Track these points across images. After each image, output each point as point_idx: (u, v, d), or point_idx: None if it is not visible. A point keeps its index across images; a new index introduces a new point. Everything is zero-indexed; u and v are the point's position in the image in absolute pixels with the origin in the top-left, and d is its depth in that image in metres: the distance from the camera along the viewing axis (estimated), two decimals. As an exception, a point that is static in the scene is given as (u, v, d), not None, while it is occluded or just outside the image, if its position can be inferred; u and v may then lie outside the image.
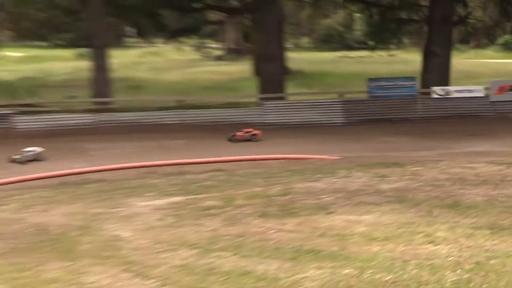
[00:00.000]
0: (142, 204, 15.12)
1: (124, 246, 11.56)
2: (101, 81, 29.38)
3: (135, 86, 35.70)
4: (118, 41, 39.11)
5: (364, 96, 29.09)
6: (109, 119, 26.26)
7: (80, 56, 42.66)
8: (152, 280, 9.44)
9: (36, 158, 20.90)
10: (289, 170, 18.84)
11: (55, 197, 16.12)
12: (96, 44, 29.74)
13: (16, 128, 25.44)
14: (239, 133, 24.62)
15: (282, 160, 20.60)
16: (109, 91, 29.08)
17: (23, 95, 31.87)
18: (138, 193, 16.45)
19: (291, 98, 31.43)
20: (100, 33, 29.58)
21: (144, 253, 11.04)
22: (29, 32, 49.42)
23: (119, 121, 26.08)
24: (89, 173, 19.08)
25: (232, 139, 24.42)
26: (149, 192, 16.51)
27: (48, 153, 22.84)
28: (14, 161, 20.86)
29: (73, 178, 18.68)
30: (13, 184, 18.70)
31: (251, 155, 21.10)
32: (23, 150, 20.28)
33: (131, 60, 45.07)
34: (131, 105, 28.49)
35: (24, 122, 25.89)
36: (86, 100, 29.48)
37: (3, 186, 18.26)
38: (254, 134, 24.66)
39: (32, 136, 24.32)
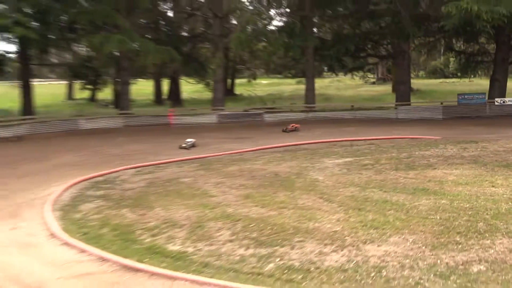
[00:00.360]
0: (329, 161, 18.80)
1: (320, 185, 15.65)
2: (310, 95, 35.68)
3: (327, 98, 42.72)
4: (319, 74, 48.79)
5: (455, 103, 34.98)
6: (313, 116, 32.13)
7: (299, 82, 53.94)
8: (334, 203, 13.73)
9: (193, 145, 22.49)
10: (411, 144, 22.40)
11: (286, 158, 19.87)
12: (308, 75, 36.27)
13: (264, 120, 30.76)
14: (288, 127, 28.12)
15: (407, 139, 24.32)
16: (314, 100, 35.33)
17: (268, 102, 39.01)
18: (327, 156, 19.94)
19: (413, 104, 37.31)
20: (310, 70, 35.92)
21: (330, 189, 15.19)
22: (272, 70, 68.49)
23: (318, 117, 32.01)
24: (300, 145, 23.13)
25: (285, 130, 27.79)
26: (333, 155, 19.99)
27: (277, 135, 27.55)
28: (181, 147, 22.36)
29: (292, 147, 22.41)
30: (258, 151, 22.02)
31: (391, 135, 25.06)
32: (186, 140, 22.60)
33: (325, 84, 54.92)
34: (325, 108, 33.88)
35: (269, 118, 31.94)
36: (301, 105, 35.32)
37: (257, 151, 21.92)
38: (297, 127, 28.16)
39: (273, 125, 29.44)
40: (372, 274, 9.66)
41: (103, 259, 10.77)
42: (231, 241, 11.47)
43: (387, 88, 55.34)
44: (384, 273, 9.68)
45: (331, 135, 24.41)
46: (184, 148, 21.40)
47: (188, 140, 22.05)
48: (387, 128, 26.29)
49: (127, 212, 13.70)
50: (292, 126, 27.93)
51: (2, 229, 12.83)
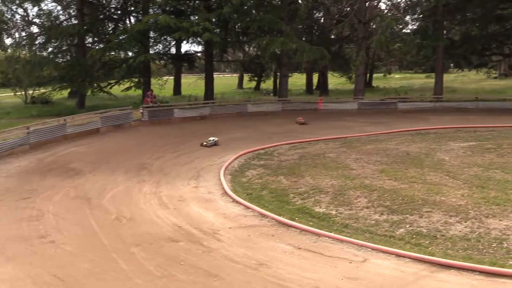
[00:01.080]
0: (455, 144, 17.57)
1: (446, 164, 14.78)
2: (438, 87, 33.20)
3: (453, 90, 39.33)
4: (446, 69, 44.59)
5: None
6: (440, 105, 28.86)
7: (427, 77, 52.02)
8: (459, 181, 12.89)
9: (215, 144, 18.57)
10: None
11: (416, 140, 18.97)
12: (437, 71, 33.90)
13: (397, 108, 28.53)
14: (298, 119, 23.91)
15: None
16: (442, 92, 33.07)
17: (401, 93, 36.76)
18: (453, 139, 18.61)
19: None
20: (439, 66, 33.91)
21: (455, 168, 14.28)
22: (405, 67, 65.63)
23: (445, 106, 28.58)
24: (429, 129, 21.39)
25: (297, 122, 23.69)
26: (458, 139, 18.65)
27: (408, 120, 26.28)
28: (202, 145, 18.58)
29: (422, 131, 20.92)
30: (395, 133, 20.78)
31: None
32: (208, 138, 18.76)
33: (451, 78, 50.34)
34: (451, 99, 30.53)
35: (402, 106, 28.71)
36: (430, 96, 32.18)
37: (391, 133, 20.72)
38: (303, 121, 23.52)
39: (405, 112, 27.55)
40: (494, 245, 8.93)
41: (263, 215, 10.91)
42: (367, 207, 11.17)
43: (508, 82, 49.88)
44: (505, 245, 8.91)
45: (457, 122, 22.43)
46: (206, 146, 18.27)
47: (211, 138, 18.66)
48: (509, 117, 23.66)
49: (283, 179, 13.79)
50: (300, 119, 24.11)
51: (188, 187, 13.41)
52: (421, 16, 37.58)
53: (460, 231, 9.56)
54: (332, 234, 9.59)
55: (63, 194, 12.83)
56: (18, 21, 32.91)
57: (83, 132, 21.37)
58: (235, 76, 61.18)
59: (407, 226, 9.95)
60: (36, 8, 35.09)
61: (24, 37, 32.34)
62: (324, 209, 11.14)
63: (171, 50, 37.69)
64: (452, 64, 49.70)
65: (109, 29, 34.85)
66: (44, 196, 12.65)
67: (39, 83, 32.16)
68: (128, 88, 34.18)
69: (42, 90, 33.62)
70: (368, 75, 48.99)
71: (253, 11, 30.56)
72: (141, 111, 25.09)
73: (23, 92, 35.81)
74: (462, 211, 10.56)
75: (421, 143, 17.98)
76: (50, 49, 31.96)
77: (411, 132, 20.85)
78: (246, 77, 52.01)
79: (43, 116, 26.42)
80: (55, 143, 19.51)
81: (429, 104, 29.53)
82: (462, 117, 24.81)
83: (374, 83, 51.56)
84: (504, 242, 8.99)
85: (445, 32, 34.90)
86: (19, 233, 10.06)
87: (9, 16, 31.46)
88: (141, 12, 32.91)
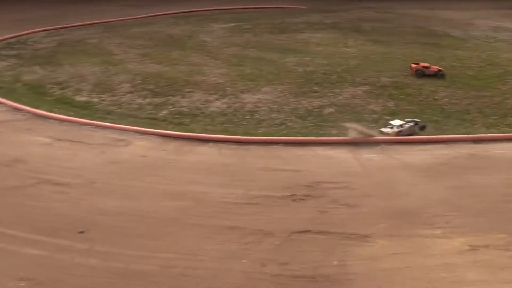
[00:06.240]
0: (216, 26, 17.56)
1: (207, 45, 15.20)
2: None
3: None
4: None
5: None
6: None
7: None
8: (219, 60, 13.48)
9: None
10: (284, 13, 20.59)
11: (180, 22, 18.58)
12: None
13: None
14: None
15: (281, 8, 21.83)
16: None
17: None
18: (215, 21, 18.26)
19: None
20: None
21: (216, 48, 14.81)
22: None
23: None
24: (192, 12, 20.46)
25: None
26: (219, 21, 18.43)
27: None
28: None
29: (186, 14, 20.01)
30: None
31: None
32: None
33: None
34: None
35: None
36: None
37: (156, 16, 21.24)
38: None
39: None
40: (247, 117, 9.95)
41: (17, 109, 10.17)
42: (131, 92, 11.23)
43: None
44: (257, 116, 9.96)
45: (218, 4, 21.84)
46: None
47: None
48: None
49: (38, 69, 12.85)
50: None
51: None
52: None
53: (218, 107, 10.32)
54: (94, 122, 9.51)
55: None
56: None
57: None
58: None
59: (170, 107, 10.35)
60: None
61: None
62: (86, 98, 10.91)
63: None
64: None
65: None
66: None
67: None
68: None
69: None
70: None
71: None
72: None
73: None
74: (220, 89, 11.29)
75: (185, 26, 17.98)
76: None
77: (175, 15, 20.51)
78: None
79: None
80: None
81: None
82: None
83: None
84: (255, 114, 10.04)
85: None
86: None
87: None
88: None
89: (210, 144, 8.75)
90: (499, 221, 6.63)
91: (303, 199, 7.05)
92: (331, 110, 10.18)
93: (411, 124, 9.10)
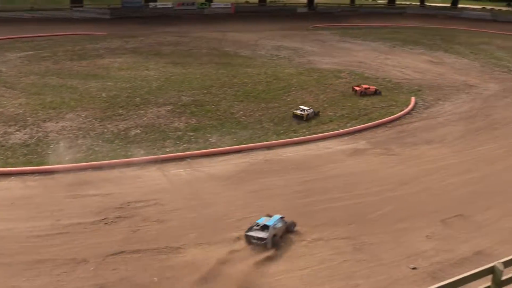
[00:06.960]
0: (12, 55, 16.55)
1: (3, 75, 14.33)
2: None
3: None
4: None
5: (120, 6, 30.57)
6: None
7: None
8: (17, 90, 12.84)
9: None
10: (83, 39, 21.15)
11: None
12: None
13: None
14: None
15: (80, 35, 22.45)
16: None
17: None
18: (10, 50, 17.34)
19: (86, 6, 31.29)
20: None
21: (13, 78, 14.03)
22: None
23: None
24: None
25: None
26: (15, 49, 17.48)
27: None
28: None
29: None
30: None
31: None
32: None
33: None
34: (4, 8, 25.75)
35: None
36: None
37: None
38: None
39: None
40: (52, 146, 9.71)
41: None
42: None
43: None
44: (62, 144, 9.76)
45: (13, 33, 20.56)
46: None
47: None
48: (63, 26, 23.46)
49: None
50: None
51: None
52: None
53: (19, 139, 9.91)
54: None
55: None
56: None
57: None
58: None
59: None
60: None
61: None
62: None
63: None
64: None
65: None
66: None
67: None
68: None
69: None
70: None
71: None
72: None
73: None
74: (20, 119, 10.83)
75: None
76: None
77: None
78: None
79: None
80: None
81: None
82: (19, 28, 22.72)
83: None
84: (61, 142, 9.82)
85: None
86: None
87: None
88: None
89: (13, 177, 8.41)
90: (299, 216, 7.59)
91: (115, 221, 7.24)
92: (137, 131, 10.48)
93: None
